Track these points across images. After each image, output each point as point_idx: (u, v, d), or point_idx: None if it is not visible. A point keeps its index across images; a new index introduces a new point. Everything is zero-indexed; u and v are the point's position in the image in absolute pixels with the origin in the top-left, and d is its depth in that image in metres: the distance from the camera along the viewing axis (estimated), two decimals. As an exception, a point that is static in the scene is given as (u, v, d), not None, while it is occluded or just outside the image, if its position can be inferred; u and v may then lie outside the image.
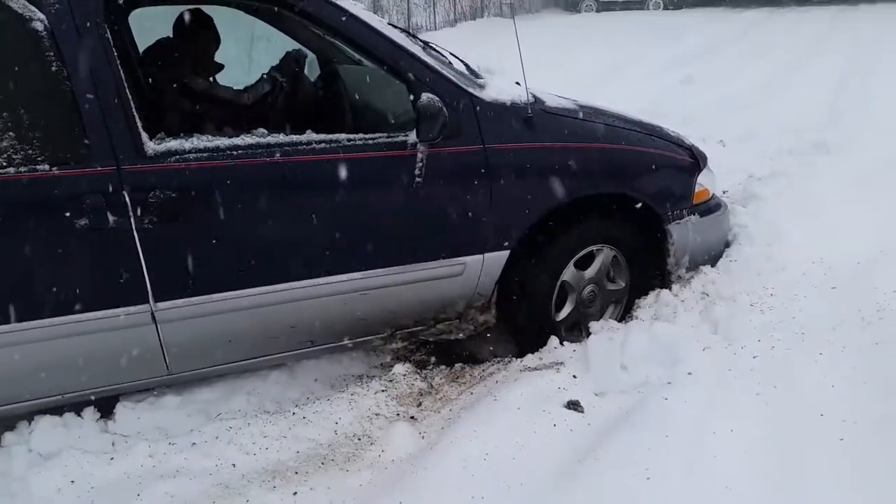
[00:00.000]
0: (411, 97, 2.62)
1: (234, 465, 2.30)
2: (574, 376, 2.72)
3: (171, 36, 3.37)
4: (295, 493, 2.18)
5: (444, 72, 2.74)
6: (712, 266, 3.43)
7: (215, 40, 3.38)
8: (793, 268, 3.35)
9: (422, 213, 2.72)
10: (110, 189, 2.26)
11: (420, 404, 2.74)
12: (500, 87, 2.91)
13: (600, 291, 3.23)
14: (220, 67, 3.56)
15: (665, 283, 3.30)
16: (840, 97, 7.36)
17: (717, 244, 3.53)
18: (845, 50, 10.07)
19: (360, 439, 2.50)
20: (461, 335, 3.09)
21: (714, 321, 2.96)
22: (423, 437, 2.48)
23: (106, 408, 2.61)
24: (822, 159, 4.96)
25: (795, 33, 10.60)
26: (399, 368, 2.92)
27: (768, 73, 8.71)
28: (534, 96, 2.98)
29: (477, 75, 3.03)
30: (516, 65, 2.85)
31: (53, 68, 2.19)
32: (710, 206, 3.43)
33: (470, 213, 2.78)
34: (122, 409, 2.59)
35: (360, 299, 2.72)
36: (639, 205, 3.12)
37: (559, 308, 3.14)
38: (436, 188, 2.69)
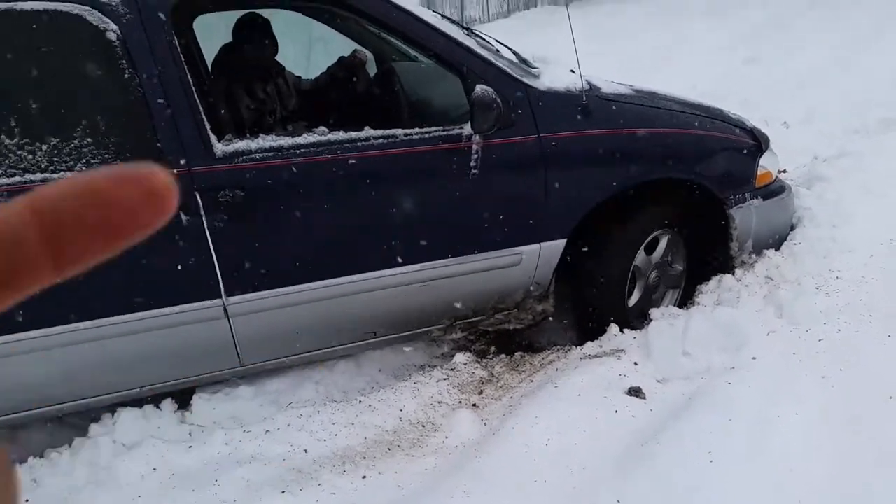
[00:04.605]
0: (465, 90, 2.67)
1: (305, 450, 2.39)
2: (635, 363, 2.72)
3: (231, 41, 3.49)
4: (364, 477, 2.25)
5: (498, 62, 2.76)
6: (776, 250, 3.36)
7: (272, 42, 3.48)
8: (860, 249, 3.26)
9: (478, 205, 2.74)
10: (182, 189, 2.35)
11: (481, 392, 2.78)
12: (554, 76, 2.92)
13: (663, 276, 3.24)
14: (281, 69, 3.67)
15: (728, 267, 3.26)
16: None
17: (782, 227, 3.46)
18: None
19: (424, 426, 2.57)
20: (520, 325, 3.12)
21: (779, 305, 2.91)
22: (485, 424, 2.53)
23: (183, 400, 2.74)
24: (890, 137, 4.78)
25: (867, 5, 10.14)
26: (460, 358, 2.97)
27: (836, 48, 8.38)
28: (589, 83, 2.97)
29: (529, 64, 3.05)
30: (574, 53, 2.85)
31: (126, 75, 2.29)
32: (774, 189, 3.37)
33: (526, 203, 2.80)
34: (198, 400, 2.71)
35: (420, 291, 2.78)
36: (700, 189, 3.10)
37: (629, 295, 3.15)
38: (492, 179, 2.71)
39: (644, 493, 2.04)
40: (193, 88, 2.39)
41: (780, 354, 2.61)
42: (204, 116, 2.41)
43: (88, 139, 2.27)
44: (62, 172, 2.25)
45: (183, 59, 2.39)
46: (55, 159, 2.25)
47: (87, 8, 2.26)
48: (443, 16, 3.01)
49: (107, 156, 2.29)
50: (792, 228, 3.51)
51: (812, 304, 2.88)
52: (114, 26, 2.27)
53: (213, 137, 2.42)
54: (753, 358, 2.60)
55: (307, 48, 5.89)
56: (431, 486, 2.18)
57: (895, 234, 3.34)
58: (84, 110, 2.28)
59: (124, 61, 2.29)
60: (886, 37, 8.68)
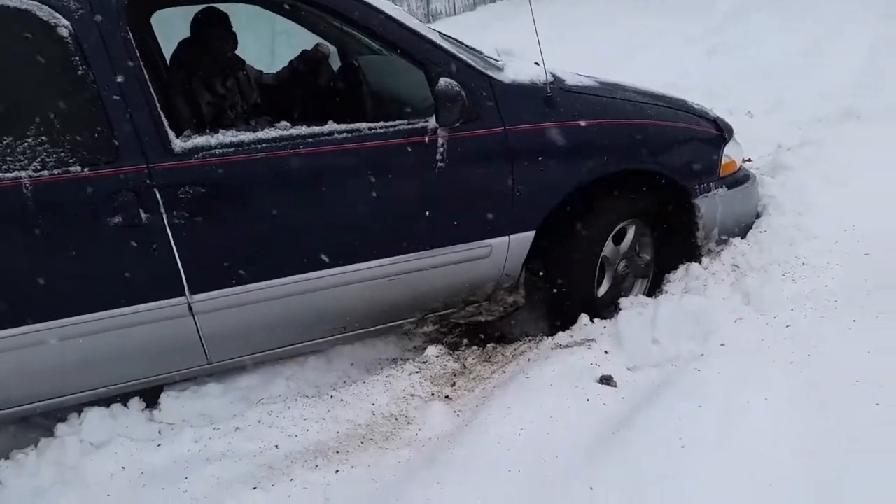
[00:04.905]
0: (429, 83, 2.65)
1: (276, 446, 2.36)
2: (606, 352, 2.73)
3: (189, 36, 3.44)
4: (337, 471, 2.23)
5: (462, 56, 2.75)
6: (742, 238, 3.41)
7: (231, 37, 3.43)
8: (824, 236, 3.31)
9: (446, 198, 2.73)
10: (141, 187, 2.32)
11: (454, 384, 2.78)
12: (518, 69, 2.92)
13: (631, 266, 3.26)
14: (242, 64, 3.63)
15: (695, 256, 3.29)
16: (874, 65, 7.16)
17: (747, 216, 3.50)
18: (886, 17, 9.75)
19: (397, 419, 2.56)
20: (491, 316, 3.12)
21: (746, 292, 2.94)
22: (458, 416, 2.52)
23: (151, 398, 2.69)
24: (853, 126, 4.87)
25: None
26: (432, 350, 2.96)
27: (800, 40, 8.51)
28: (553, 75, 2.98)
29: (492, 59, 3.04)
30: (538, 46, 2.85)
31: (80, 72, 2.24)
32: (738, 178, 3.42)
33: (494, 196, 2.80)
34: (166, 398, 2.68)
35: (389, 285, 2.77)
36: (665, 179, 3.12)
37: (598, 285, 3.17)
38: (458, 172, 2.71)
39: (616, 480, 2.05)
40: (150, 84, 2.35)
41: (748, 341, 2.63)
42: (161, 113, 2.36)
43: (43, 137, 2.22)
44: (17, 171, 2.20)
45: (139, 55, 2.34)
46: (9, 158, 2.20)
47: (37, 3, 2.20)
48: (406, 11, 2.98)
49: (62, 154, 2.24)
50: (757, 216, 3.56)
51: (778, 291, 2.91)
52: (65, 22, 2.23)
53: (171, 133, 2.38)
54: (722, 345, 2.62)
55: (270, 42, 5.83)
56: (405, 479, 2.17)
57: (858, 220, 3.39)
58: (38, 108, 2.23)
59: (77, 58, 2.24)
60: (854, 32, 8.83)
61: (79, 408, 2.59)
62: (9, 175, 2.19)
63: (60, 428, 2.53)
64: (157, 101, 2.35)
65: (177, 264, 2.42)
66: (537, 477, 2.11)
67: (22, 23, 2.19)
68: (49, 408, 2.54)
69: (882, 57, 7.30)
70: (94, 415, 2.54)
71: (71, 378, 2.48)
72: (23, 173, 2.20)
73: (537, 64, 2.96)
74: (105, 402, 2.61)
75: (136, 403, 2.65)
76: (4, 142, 2.19)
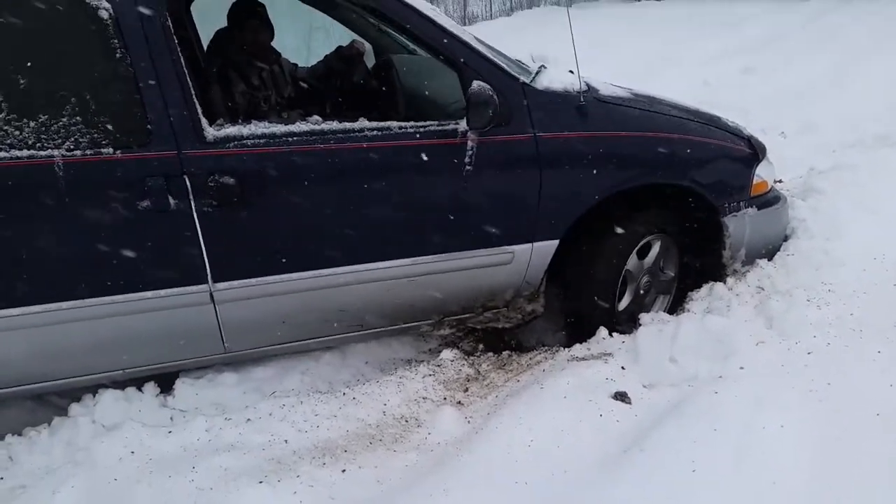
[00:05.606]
0: (462, 85, 2.64)
1: (286, 441, 2.36)
2: (622, 368, 2.70)
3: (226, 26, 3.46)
4: (344, 471, 2.23)
5: (496, 59, 2.74)
6: (769, 260, 3.36)
7: (267, 28, 3.44)
8: (852, 263, 3.24)
9: (471, 202, 2.71)
10: (171, 173, 2.33)
11: (467, 390, 2.76)
12: (552, 76, 2.90)
13: (654, 282, 3.22)
14: (277, 56, 3.64)
15: (719, 276, 3.25)
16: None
17: (775, 238, 3.45)
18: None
19: (407, 421, 2.55)
20: (509, 324, 3.10)
21: (769, 316, 2.89)
22: (468, 422, 2.51)
23: (165, 383, 2.71)
24: (885, 153, 4.77)
25: (863, 24, 10.15)
26: (447, 354, 2.95)
27: (832, 64, 8.40)
28: (587, 84, 2.96)
29: (528, 65, 3.02)
30: (573, 54, 2.83)
31: (118, 55, 2.26)
32: (769, 199, 3.36)
33: (520, 203, 2.78)
34: (181, 384, 2.69)
35: (409, 285, 2.76)
36: (694, 196, 3.08)
37: (619, 298, 3.13)
38: (485, 177, 2.69)
39: (625, 499, 2.02)
40: (186, 71, 2.36)
41: (768, 366, 2.59)
42: (196, 100, 2.38)
43: (78, 118, 2.25)
44: (50, 150, 2.22)
45: (176, 41, 2.35)
46: (43, 136, 2.22)
47: None
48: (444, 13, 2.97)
49: (96, 135, 2.26)
50: (785, 239, 3.50)
51: (802, 317, 2.86)
52: (106, 4, 2.25)
53: (204, 121, 2.39)
54: (741, 368, 2.58)
55: (307, 37, 5.86)
56: (412, 483, 2.15)
57: (888, 249, 3.33)
58: (74, 88, 2.25)
59: (116, 41, 2.26)
60: (884, 57, 8.68)
61: (94, 388, 2.61)
62: (42, 153, 2.22)
63: (74, 408, 2.55)
64: (192, 89, 2.37)
65: (201, 252, 2.43)
66: (545, 491, 2.09)
67: (65, 3, 2.22)
68: (65, 387, 2.56)
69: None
70: (108, 397, 2.56)
71: (88, 359, 2.50)
72: (55, 152, 2.23)
73: (571, 72, 2.94)
74: (120, 384, 2.63)
75: (150, 388, 2.67)
76: (40, 120, 2.21)
